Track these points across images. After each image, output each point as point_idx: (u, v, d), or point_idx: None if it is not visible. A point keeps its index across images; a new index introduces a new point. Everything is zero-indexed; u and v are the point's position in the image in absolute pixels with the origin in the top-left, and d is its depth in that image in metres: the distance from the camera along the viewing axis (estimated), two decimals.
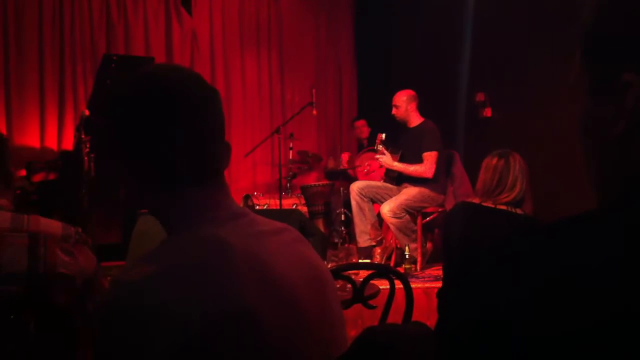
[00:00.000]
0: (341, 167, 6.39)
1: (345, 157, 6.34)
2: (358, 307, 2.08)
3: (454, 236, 2.39)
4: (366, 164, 5.31)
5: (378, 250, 4.83)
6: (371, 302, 2.09)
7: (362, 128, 6.62)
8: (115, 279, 0.88)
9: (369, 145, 6.09)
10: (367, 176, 5.39)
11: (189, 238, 0.91)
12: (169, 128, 0.93)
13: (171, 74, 0.97)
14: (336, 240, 5.41)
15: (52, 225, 1.34)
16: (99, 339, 0.87)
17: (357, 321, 3.50)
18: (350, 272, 2.28)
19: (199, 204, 0.94)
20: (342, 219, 5.66)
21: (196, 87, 0.96)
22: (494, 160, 2.54)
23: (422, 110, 4.86)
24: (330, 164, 6.95)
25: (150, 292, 0.83)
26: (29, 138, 5.95)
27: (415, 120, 4.81)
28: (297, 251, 1.00)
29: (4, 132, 5.51)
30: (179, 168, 0.94)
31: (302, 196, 6.03)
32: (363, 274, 2.58)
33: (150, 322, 0.81)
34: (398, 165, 4.71)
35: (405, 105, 4.78)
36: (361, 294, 1.95)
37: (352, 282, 1.98)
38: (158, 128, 0.93)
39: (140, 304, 0.82)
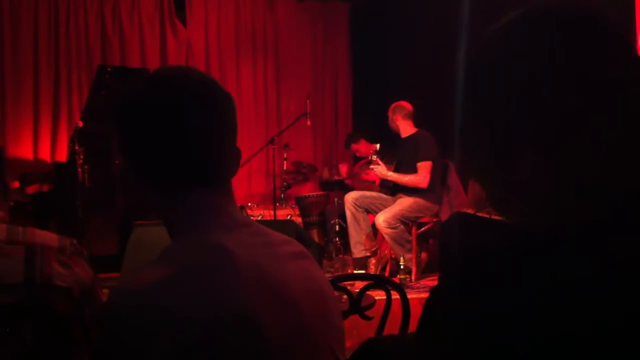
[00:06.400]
0: (338, 178, 6.38)
1: (343, 168, 6.32)
2: (354, 318, 2.07)
3: (451, 246, 2.39)
4: (363, 172, 5.31)
5: (373, 260, 4.82)
6: (367, 313, 2.08)
7: (363, 150, 6.31)
8: (119, 286, 0.88)
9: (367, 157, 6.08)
10: (366, 188, 5.38)
11: (192, 244, 0.91)
12: (176, 132, 0.93)
13: (181, 77, 0.97)
14: (331, 251, 5.39)
15: (47, 237, 1.33)
16: (101, 347, 0.87)
17: (352, 332, 3.49)
18: (345, 282, 2.27)
19: (203, 208, 0.94)
20: (337, 229, 5.65)
21: (206, 92, 0.96)
22: None
23: (417, 119, 4.87)
24: (325, 174, 6.95)
25: (153, 300, 0.83)
26: (23, 149, 5.94)
27: (406, 130, 4.82)
28: (300, 264, 1.00)
29: None
30: (184, 171, 0.95)
31: (297, 207, 6.02)
32: (358, 284, 2.57)
33: (153, 329, 0.81)
34: (393, 175, 4.72)
35: (391, 116, 4.85)
36: (358, 305, 1.94)
37: (349, 293, 1.97)
38: (165, 132, 0.93)
39: (143, 312, 0.82)
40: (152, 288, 0.84)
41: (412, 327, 1.97)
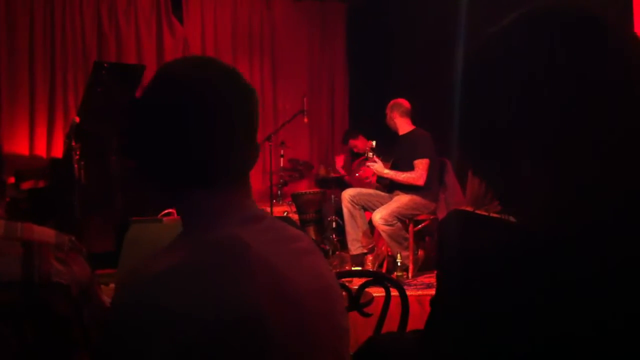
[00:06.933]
0: (334, 175, 6.37)
1: (339, 161, 6.31)
2: (351, 315, 2.06)
3: (449, 245, 2.38)
4: (361, 170, 5.32)
5: (370, 257, 4.83)
6: (365, 309, 2.08)
7: (360, 145, 6.27)
8: (123, 282, 0.89)
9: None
10: (361, 183, 5.38)
11: (203, 238, 0.90)
12: (171, 133, 0.92)
13: (183, 76, 0.94)
14: (328, 248, 5.40)
15: (45, 234, 1.32)
16: (103, 343, 0.87)
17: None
18: (343, 279, 2.27)
19: (204, 209, 0.93)
20: (334, 226, 5.65)
21: (208, 92, 0.93)
22: None
23: (414, 118, 4.87)
24: (322, 171, 6.94)
25: (154, 299, 0.82)
26: (18, 145, 5.91)
27: (403, 128, 4.83)
28: (309, 261, 0.99)
29: None
30: (182, 173, 0.94)
31: (293, 204, 6.01)
32: (356, 281, 2.57)
33: (153, 328, 0.81)
34: (389, 173, 4.72)
35: (389, 113, 4.86)
36: (357, 302, 1.94)
37: (348, 289, 1.97)
38: (161, 133, 0.93)
39: (144, 310, 0.82)
40: (160, 282, 0.84)
41: (411, 324, 1.97)
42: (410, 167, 4.65)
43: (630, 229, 0.55)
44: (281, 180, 6.34)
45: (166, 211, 2.80)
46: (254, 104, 0.97)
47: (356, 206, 4.80)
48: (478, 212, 2.87)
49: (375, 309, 2.11)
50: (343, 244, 5.23)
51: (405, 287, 1.99)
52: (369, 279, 2.00)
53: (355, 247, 4.81)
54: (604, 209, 0.58)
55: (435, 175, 4.77)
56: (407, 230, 4.63)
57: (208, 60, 0.98)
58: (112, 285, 2.03)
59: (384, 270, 4.75)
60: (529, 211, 0.67)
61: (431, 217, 4.77)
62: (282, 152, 6.43)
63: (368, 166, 4.82)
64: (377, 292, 2.25)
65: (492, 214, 2.76)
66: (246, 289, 0.86)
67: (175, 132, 0.92)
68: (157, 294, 0.82)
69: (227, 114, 0.93)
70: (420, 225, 4.77)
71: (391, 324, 2.01)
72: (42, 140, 6.04)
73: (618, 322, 0.51)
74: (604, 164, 0.60)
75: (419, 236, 4.87)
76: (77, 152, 4.31)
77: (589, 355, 0.50)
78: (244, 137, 0.96)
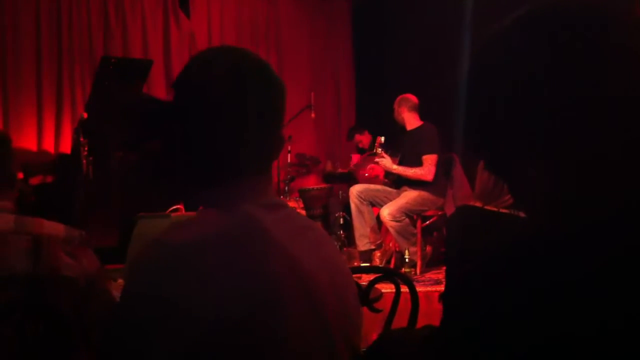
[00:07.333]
0: (342, 170, 6.37)
1: (355, 158, 6.32)
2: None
3: (455, 241, 2.37)
4: (368, 167, 5.31)
5: (377, 253, 4.82)
6: (374, 305, 2.07)
7: (365, 141, 6.35)
8: (135, 264, 0.92)
9: (369, 149, 6.07)
10: (371, 181, 5.39)
11: (219, 217, 0.90)
12: (181, 133, 0.92)
13: (206, 74, 0.94)
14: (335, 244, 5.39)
15: (55, 228, 1.33)
16: (106, 337, 0.88)
17: None
18: (353, 275, 2.25)
19: (234, 193, 0.93)
20: (341, 222, 5.65)
21: (236, 87, 0.92)
22: None
23: (420, 113, 4.86)
24: (329, 167, 6.94)
25: (167, 283, 0.82)
26: (27, 140, 5.92)
27: (411, 123, 4.82)
28: (325, 252, 0.99)
29: None
30: (187, 171, 0.94)
31: (300, 199, 6.02)
32: (365, 277, 2.56)
33: (165, 319, 0.80)
34: (398, 168, 4.71)
35: (397, 108, 4.85)
36: (367, 297, 1.93)
37: (358, 285, 1.96)
38: (171, 131, 0.93)
39: (153, 300, 0.82)
40: (164, 267, 0.84)
41: (418, 320, 1.96)
42: (418, 163, 4.64)
43: (630, 229, 0.55)
44: (289, 176, 6.34)
45: (174, 207, 2.80)
46: (278, 97, 0.97)
47: (364, 202, 4.80)
48: (487, 207, 2.83)
49: (383, 305, 2.10)
50: (350, 240, 5.23)
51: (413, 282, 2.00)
52: (379, 274, 1.99)
53: (363, 243, 4.81)
54: (604, 209, 0.57)
55: (442, 170, 4.76)
56: (414, 226, 4.63)
57: (230, 56, 0.97)
58: (120, 281, 2.03)
59: (391, 267, 4.74)
60: (533, 210, 0.67)
61: (439, 212, 4.77)
62: (289, 147, 6.43)
63: (377, 162, 4.81)
64: (385, 288, 2.24)
65: (501, 210, 2.73)
66: (261, 270, 0.85)
67: (183, 133, 0.92)
68: (163, 284, 0.82)
69: (234, 112, 0.92)
70: (428, 221, 4.76)
71: (399, 319, 2.00)
72: (50, 136, 6.06)
73: (618, 322, 0.51)
74: (604, 163, 0.60)
75: (427, 232, 4.86)
76: (86, 148, 4.33)
77: (589, 355, 0.51)
78: (266, 132, 0.95)
